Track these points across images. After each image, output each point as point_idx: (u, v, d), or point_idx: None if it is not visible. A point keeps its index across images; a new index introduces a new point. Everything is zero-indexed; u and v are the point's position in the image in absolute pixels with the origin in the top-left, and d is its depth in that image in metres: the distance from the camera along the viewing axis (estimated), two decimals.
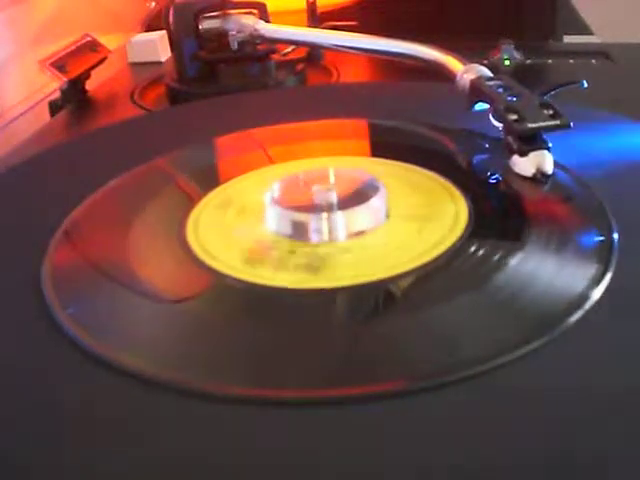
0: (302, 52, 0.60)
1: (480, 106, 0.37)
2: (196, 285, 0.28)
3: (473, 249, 0.28)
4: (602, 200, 0.30)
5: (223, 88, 0.54)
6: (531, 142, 0.33)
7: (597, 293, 0.25)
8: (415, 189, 0.33)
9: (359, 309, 0.26)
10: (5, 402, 0.23)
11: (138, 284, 0.28)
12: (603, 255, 0.27)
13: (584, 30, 0.70)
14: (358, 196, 0.30)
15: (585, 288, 0.25)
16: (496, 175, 0.34)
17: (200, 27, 0.56)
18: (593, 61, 0.58)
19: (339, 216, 0.29)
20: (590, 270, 0.26)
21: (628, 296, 0.25)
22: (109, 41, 0.62)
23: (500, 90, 0.35)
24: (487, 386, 0.21)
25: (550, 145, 0.32)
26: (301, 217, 0.30)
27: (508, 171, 0.33)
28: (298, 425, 0.21)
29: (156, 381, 0.22)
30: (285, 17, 0.63)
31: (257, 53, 0.56)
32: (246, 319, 0.26)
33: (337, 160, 0.37)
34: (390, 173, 0.34)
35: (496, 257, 0.27)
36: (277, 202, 0.30)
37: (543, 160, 0.32)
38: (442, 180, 0.33)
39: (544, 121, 0.32)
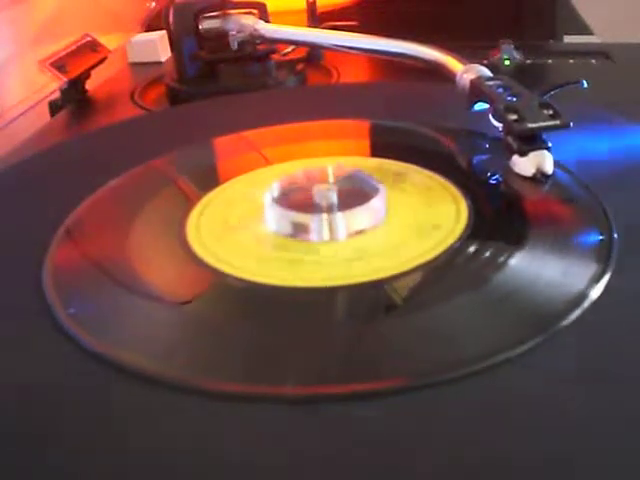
0: (302, 52, 0.60)
1: (480, 106, 0.37)
2: (197, 284, 0.28)
3: (473, 249, 0.28)
4: (602, 200, 0.30)
5: (223, 88, 0.54)
6: (531, 142, 0.33)
7: (596, 292, 0.25)
8: (415, 189, 0.33)
9: (359, 309, 0.27)
10: (5, 402, 0.23)
11: (139, 284, 0.28)
12: (602, 255, 0.27)
13: (584, 30, 0.70)
14: (358, 196, 0.30)
15: (584, 288, 0.25)
16: (496, 175, 0.34)
17: (200, 27, 0.56)
18: (593, 61, 0.58)
19: (339, 216, 0.29)
20: (589, 270, 0.26)
21: (627, 296, 0.25)
22: (109, 41, 0.62)
23: (500, 90, 0.35)
24: (486, 385, 0.22)
25: (550, 145, 0.32)
26: (301, 217, 0.30)
27: (508, 171, 0.34)
28: (298, 423, 0.21)
29: (157, 380, 0.22)
30: (285, 17, 0.63)
31: (257, 53, 0.56)
32: (247, 318, 0.26)
33: (337, 160, 0.37)
34: (390, 173, 0.34)
35: (495, 257, 0.27)
36: (277, 202, 0.30)
37: (543, 160, 0.32)
38: (442, 180, 0.33)
39: (544, 121, 0.32)
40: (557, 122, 0.32)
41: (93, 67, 0.59)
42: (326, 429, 0.21)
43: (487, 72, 0.39)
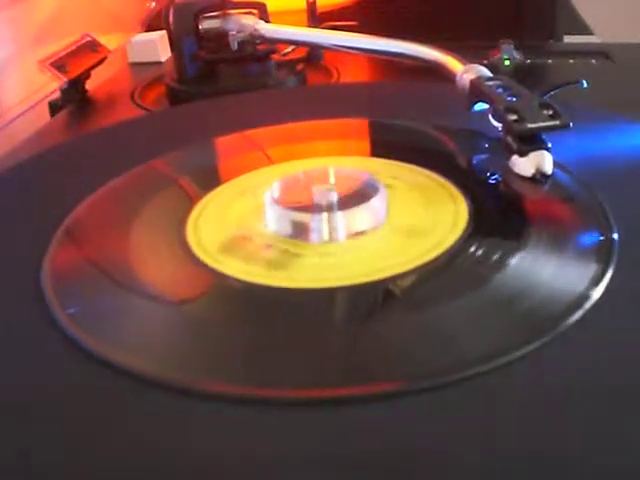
0: (302, 52, 0.60)
1: (480, 106, 0.37)
2: (196, 285, 0.28)
3: (473, 249, 0.28)
4: (602, 200, 0.30)
5: (223, 88, 0.54)
6: (531, 142, 0.33)
7: (597, 293, 0.25)
8: (415, 189, 0.33)
9: (358, 309, 0.26)
10: (5, 402, 0.23)
11: (138, 284, 0.28)
12: (603, 255, 0.27)
13: (584, 30, 0.70)
14: (358, 196, 0.30)
15: (585, 288, 0.25)
16: (496, 175, 0.34)
17: (200, 27, 0.56)
18: (593, 61, 0.58)
19: (339, 216, 0.29)
20: (590, 270, 0.26)
21: (628, 296, 0.25)
22: (109, 41, 0.62)
23: (500, 90, 0.35)
24: (487, 386, 0.21)
25: (550, 145, 0.32)
26: (301, 217, 0.30)
27: (508, 171, 0.33)
28: (297, 425, 0.21)
29: (156, 380, 0.22)
30: (285, 17, 0.63)
31: (257, 53, 0.56)
32: (246, 318, 0.26)
33: (337, 160, 0.37)
34: (390, 173, 0.34)
35: (496, 257, 0.27)
36: (277, 202, 0.30)
37: (543, 160, 0.32)
38: (442, 180, 0.33)
39: (544, 121, 0.32)
40: (557, 122, 0.32)
41: (93, 67, 0.59)
42: (325, 430, 0.21)
43: (487, 72, 0.39)
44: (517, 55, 0.56)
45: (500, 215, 0.31)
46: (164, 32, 0.61)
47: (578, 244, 0.28)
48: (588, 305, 0.24)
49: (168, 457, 0.20)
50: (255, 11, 0.57)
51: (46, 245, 0.30)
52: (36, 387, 0.23)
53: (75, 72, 0.56)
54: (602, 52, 0.59)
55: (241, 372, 0.23)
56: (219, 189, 0.35)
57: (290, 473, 0.19)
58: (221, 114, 0.46)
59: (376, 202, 0.30)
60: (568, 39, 0.70)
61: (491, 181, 0.34)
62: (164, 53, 0.67)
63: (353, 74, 0.60)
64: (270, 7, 0.58)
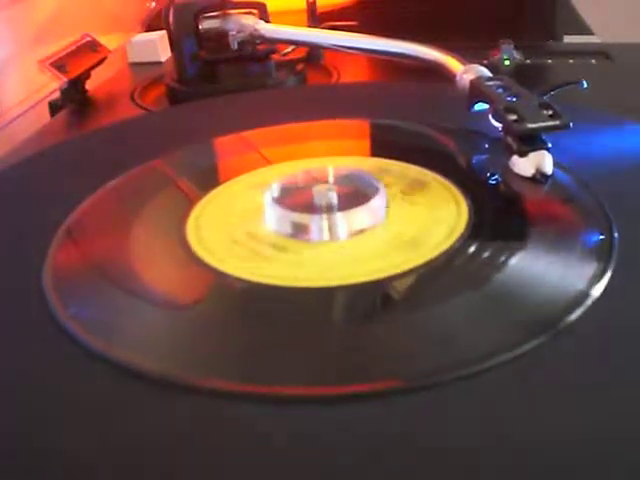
0: (302, 52, 0.60)
1: (480, 106, 0.37)
2: (197, 285, 0.28)
3: (473, 249, 0.28)
4: (602, 200, 0.30)
5: (223, 88, 0.54)
6: (531, 142, 0.33)
7: (596, 292, 0.25)
8: (415, 189, 0.33)
9: (358, 309, 0.27)
10: (6, 402, 0.23)
11: (139, 284, 0.28)
12: (603, 254, 0.27)
13: (584, 30, 0.70)
14: (358, 196, 0.30)
15: (585, 287, 0.25)
16: (496, 175, 0.34)
17: (200, 27, 0.56)
18: (593, 61, 0.58)
19: (339, 216, 0.29)
20: (590, 269, 0.26)
21: (628, 295, 0.25)
22: (109, 41, 0.62)
23: (500, 90, 0.35)
24: (486, 385, 0.22)
25: (550, 145, 0.32)
26: (301, 217, 0.30)
27: (508, 171, 0.34)
28: (296, 424, 0.21)
29: (157, 379, 0.22)
30: (285, 17, 0.63)
31: (257, 53, 0.56)
32: (247, 318, 0.26)
33: (337, 160, 0.37)
34: (390, 173, 0.34)
35: (496, 257, 0.27)
36: (277, 202, 0.30)
37: (543, 160, 0.32)
38: (442, 180, 0.33)
39: (543, 121, 0.32)
40: (557, 122, 0.32)
41: (93, 67, 0.59)
42: (326, 429, 0.21)
43: (487, 72, 0.39)
44: (517, 55, 0.56)
45: (500, 215, 0.32)
46: (164, 32, 0.61)
47: (578, 244, 0.28)
48: (588, 305, 0.24)
49: (169, 456, 0.20)
50: (255, 11, 0.57)
51: (47, 245, 0.30)
52: (36, 387, 0.23)
53: (75, 72, 0.56)
54: (602, 52, 0.59)
55: (241, 371, 0.23)
56: (219, 189, 0.35)
57: (290, 472, 0.19)
58: (221, 114, 0.46)
59: (376, 202, 0.30)
60: (568, 39, 0.70)
61: (491, 181, 0.34)
62: (164, 53, 0.67)
63: (353, 74, 0.60)
64: (270, 7, 0.58)
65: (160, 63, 0.66)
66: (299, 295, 0.26)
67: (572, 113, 0.33)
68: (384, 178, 0.32)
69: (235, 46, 0.55)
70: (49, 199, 0.35)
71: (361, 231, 0.30)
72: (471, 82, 0.38)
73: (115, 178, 0.36)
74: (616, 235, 0.28)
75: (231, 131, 0.41)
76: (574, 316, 0.24)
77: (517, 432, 0.20)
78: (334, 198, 0.30)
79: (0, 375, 0.24)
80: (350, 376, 0.23)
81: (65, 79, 0.56)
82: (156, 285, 0.28)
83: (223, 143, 0.41)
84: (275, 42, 0.56)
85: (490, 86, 0.36)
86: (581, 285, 0.25)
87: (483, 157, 0.38)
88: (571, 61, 0.58)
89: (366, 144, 0.42)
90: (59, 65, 0.55)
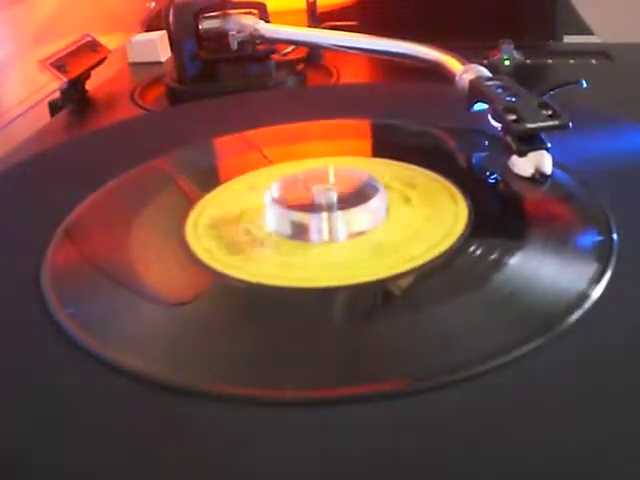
0: (302, 52, 0.60)
1: (479, 106, 0.37)
2: (196, 285, 0.28)
3: (473, 249, 0.28)
4: (601, 200, 0.30)
5: (223, 88, 0.54)
6: (530, 142, 0.33)
7: (596, 293, 0.25)
8: (415, 189, 0.33)
9: (358, 309, 0.27)
10: (5, 402, 0.23)
11: (138, 284, 0.28)
12: (602, 255, 0.27)
13: (584, 30, 0.70)
14: (358, 196, 0.30)
15: (585, 288, 0.25)
16: (496, 175, 0.34)
17: (200, 27, 0.56)
18: (593, 61, 0.58)
19: (339, 216, 0.29)
20: (589, 270, 0.26)
21: (627, 295, 0.25)
22: (109, 41, 0.62)
23: (499, 90, 0.35)
24: (486, 386, 0.22)
25: (549, 145, 0.32)
26: (301, 217, 0.30)
27: (507, 171, 0.34)
28: (297, 425, 0.21)
29: (156, 380, 0.22)
30: (285, 17, 0.63)
31: (257, 53, 0.56)
32: (246, 319, 0.26)
33: (337, 160, 0.37)
34: (390, 173, 0.34)
35: (495, 257, 0.27)
36: (277, 202, 0.30)
37: (542, 160, 0.32)
38: (442, 180, 0.33)
39: (543, 121, 0.32)
40: (556, 122, 0.32)
41: (93, 67, 0.59)
42: (326, 431, 0.21)
43: (486, 72, 0.39)
44: (517, 55, 0.56)
45: (500, 215, 0.32)
46: (164, 32, 0.61)
47: (577, 244, 0.28)
48: (587, 305, 0.24)
49: (168, 457, 0.20)
50: (255, 11, 0.57)
51: (46, 245, 0.30)
52: (36, 387, 0.23)
53: (75, 72, 0.56)
54: (602, 52, 0.59)
55: (240, 372, 0.23)
56: (219, 189, 0.35)
57: (290, 472, 0.19)
58: (221, 114, 0.46)
59: (376, 202, 0.30)
60: (568, 39, 0.70)
61: (491, 181, 0.34)
62: (164, 53, 0.67)
63: (353, 74, 0.60)
64: (270, 7, 0.58)
65: (160, 63, 0.66)
66: (299, 295, 0.26)
67: (572, 113, 0.33)
68: (384, 178, 0.32)
69: (235, 46, 0.55)
70: (49, 199, 0.35)
71: (361, 231, 0.30)
72: (471, 82, 0.38)
73: (115, 178, 0.36)
74: (615, 235, 0.28)
75: (231, 131, 0.41)
76: (574, 317, 0.24)
77: (517, 432, 0.20)
78: (334, 198, 0.30)
79: None
80: (350, 377, 0.23)
81: (65, 79, 0.56)
82: (155, 285, 0.28)
83: (223, 143, 0.41)
84: (275, 42, 0.56)
85: (489, 86, 0.36)
86: (581, 285, 0.25)
87: (482, 157, 0.38)
88: (571, 61, 0.58)
89: (366, 144, 0.42)
90: (59, 65, 0.55)
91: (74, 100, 0.57)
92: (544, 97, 0.35)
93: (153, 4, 0.75)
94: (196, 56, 0.56)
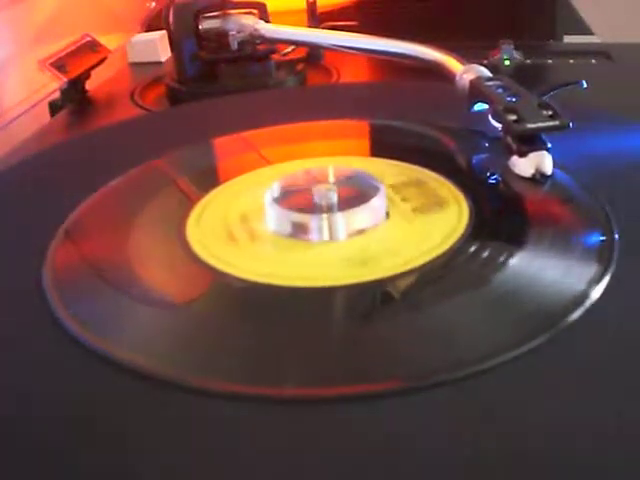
0: (302, 52, 0.60)
1: (480, 106, 0.37)
2: (197, 284, 0.28)
3: (473, 250, 0.28)
4: (602, 200, 0.30)
5: (223, 88, 0.55)
6: (530, 143, 0.33)
7: (597, 293, 0.25)
8: (415, 189, 0.33)
9: (358, 309, 0.27)
10: (6, 402, 0.23)
11: (139, 283, 0.28)
12: (603, 255, 0.27)
13: (584, 30, 0.70)
14: (358, 196, 0.30)
15: (585, 288, 0.25)
16: (496, 175, 0.34)
17: (200, 27, 0.56)
18: (593, 61, 0.58)
19: (339, 216, 0.29)
20: (590, 270, 0.26)
21: (628, 296, 0.25)
22: (109, 41, 0.62)
23: (499, 90, 0.35)
24: (486, 386, 0.22)
25: (549, 146, 0.32)
26: (301, 217, 0.30)
27: (508, 171, 0.33)
28: (297, 424, 0.21)
29: (157, 379, 0.23)
30: (285, 17, 0.63)
31: (257, 53, 0.56)
32: (247, 318, 0.26)
33: (337, 160, 0.37)
34: (390, 173, 0.34)
35: (496, 257, 0.27)
36: (277, 202, 0.30)
37: (542, 161, 0.32)
38: (442, 180, 0.33)
39: (543, 122, 0.32)
40: (556, 123, 0.32)
41: (93, 67, 0.59)
42: (325, 430, 0.21)
43: (486, 72, 0.39)
44: (517, 55, 0.56)
45: (500, 216, 0.31)
46: (164, 32, 0.61)
47: (578, 244, 0.28)
48: (588, 305, 0.24)
49: (168, 456, 0.20)
50: (255, 11, 0.57)
51: (47, 245, 0.30)
52: (36, 387, 0.23)
53: (75, 72, 0.56)
54: (602, 52, 0.59)
55: (241, 371, 0.23)
56: (219, 189, 0.35)
57: (289, 472, 0.19)
58: (221, 114, 0.46)
59: (376, 202, 0.30)
60: (568, 39, 0.70)
61: (491, 181, 0.34)
62: (164, 53, 0.67)
63: (353, 74, 0.60)
64: (270, 7, 0.58)
65: (160, 63, 0.66)
66: (298, 295, 0.26)
67: (572, 113, 0.33)
68: (384, 178, 0.32)
69: (235, 46, 0.55)
70: (49, 199, 0.35)
71: (361, 231, 0.30)
72: (471, 82, 0.38)
73: (115, 178, 0.36)
74: (616, 236, 0.28)
75: (231, 131, 0.41)
76: (574, 317, 0.24)
77: (517, 432, 0.20)
78: (334, 198, 0.30)
79: (0, 375, 0.24)
80: (350, 377, 0.23)
81: (65, 79, 0.56)
82: (156, 285, 0.28)
83: (223, 143, 0.41)
84: (275, 42, 0.56)
85: (490, 86, 0.36)
86: (581, 286, 0.25)
87: (483, 157, 0.38)
88: (571, 61, 0.58)
89: (366, 144, 0.42)
90: (59, 65, 0.55)
91: (74, 100, 0.57)
92: (544, 97, 0.35)
93: (153, 4, 0.75)
94: (196, 56, 0.56)
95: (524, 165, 0.33)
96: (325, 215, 0.29)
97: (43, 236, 0.31)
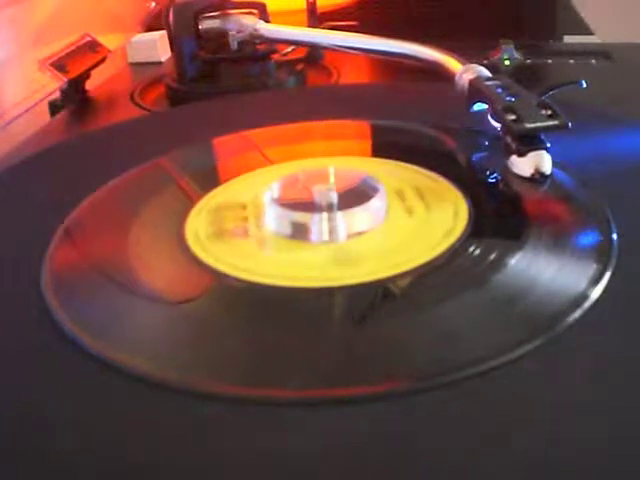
0: (302, 52, 0.60)
1: (479, 106, 0.37)
2: (196, 285, 0.28)
3: (472, 250, 0.28)
4: (601, 200, 0.30)
5: (223, 88, 0.55)
6: (529, 142, 0.33)
7: (596, 293, 0.25)
8: (415, 189, 0.33)
9: (358, 309, 0.27)
10: (6, 402, 0.23)
11: (138, 284, 0.28)
12: (602, 255, 0.27)
13: (584, 30, 0.70)
14: (358, 196, 0.30)
15: (584, 288, 0.25)
16: (495, 175, 0.34)
17: (200, 27, 0.56)
18: (593, 61, 0.58)
19: (339, 216, 0.29)
20: (589, 270, 0.26)
21: (627, 296, 0.25)
22: (109, 41, 0.62)
23: (499, 90, 0.35)
24: (486, 386, 0.22)
25: (548, 145, 0.32)
26: (301, 217, 0.30)
27: (507, 171, 0.34)
28: (298, 424, 0.21)
29: (156, 380, 0.23)
30: (285, 17, 0.63)
31: (257, 53, 0.56)
32: (247, 318, 0.26)
33: (337, 160, 0.37)
34: (390, 173, 0.34)
35: (495, 257, 0.27)
36: (277, 202, 0.30)
37: (541, 160, 0.32)
38: (442, 180, 0.33)
39: (542, 121, 0.32)
40: (556, 122, 0.32)
41: (93, 67, 0.59)
42: (326, 430, 0.21)
43: (486, 72, 0.39)
44: (517, 55, 0.56)
45: (499, 215, 0.32)
46: (164, 32, 0.61)
47: (577, 244, 0.28)
48: (587, 305, 0.24)
49: (168, 457, 0.20)
50: (255, 11, 0.57)
51: (46, 245, 0.30)
52: (36, 387, 0.23)
53: (75, 72, 0.56)
54: (602, 52, 0.59)
55: (241, 372, 0.23)
56: (219, 189, 0.35)
57: (290, 473, 0.19)
58: (221, 114, 0.46)
59: (376, 202, 0.30)
60: (568, 39, 0.70)
61: (490, 181, 0.34)
62: (164, 53, 0.67)
63: (353, 74, 0.60)
64: (270, 7, 0.58)
65: (160, 63, 0.67)
66: (298, 295, 0.26)
67: (571, 113, 0.33)
68: (384, 178, 0.32)
69: (235, 46, 0.55)
70: (49, 199, 0.35)
71: (361, 231, 0.30)
72: (470, 82, 0.38)
73: (115, 178, 0.36)
74: (615, 236, 0.28)
75: (231, 131, 0.41)
76: (573, 317, 0.24)
77: (517, 432, 0.20)
78: (334, 198, 0.30)
79: None
80: (350, 377, 0.23)
81: (65, 79, 0.56)
82: (156, 286, 0.28)
83: (223, 143, 0.41)
84: (275, 42, 0.56)
85: (489, 86, 0.36)
86: (580, 286, 0.25)
87: (482, 157, 0.38)
88: (571, 61, 0.58)
89: (366, 144, 0.42)
90: (59, 65, 0.55)
91: (74, 100, 0.57)
92: (544, 97, 0.35)
93: (153, 4, 0.75)
94: (196, 56, 0.56)
95: (523, 165, 0.33)
96: (325, 215, 0.29)
97: (43, 236, 0.31)
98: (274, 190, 0.31)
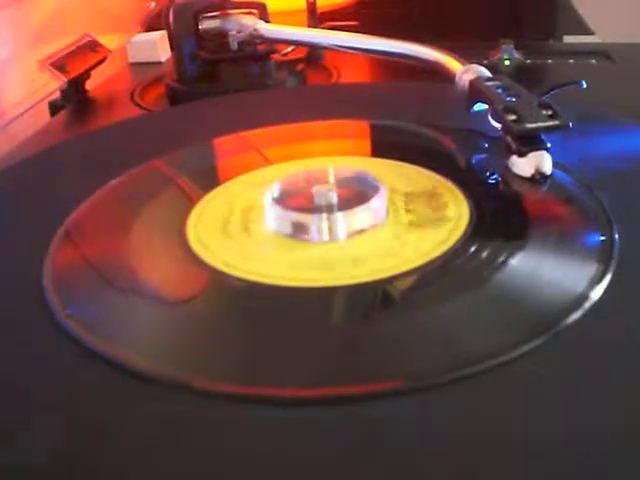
0: (302, 52, 0.60)
1: (479, 106, 0.37)
2: (196, 284, 0.28)
3: (473, 250, 0.28)
4: (602, 200, 0.30)
5: (223, 88, 0.55)
6: (530, 142, 0.33)
7: (597, 293, 0.25)
8: (415, 189, 0.33)
9: (358, 309, 0.27)
10: (6, 403, 0.23)
11: (139, 283, 0.28)
12: (603, 255, 0.27)
13: (584, 30, 0.70)
14: (358, 196, 0.30)
15: (585, 288, 0.25)
16: (495, 175, 0.34)
17: (200, 27, 0.56)
18: (593, 61, 0.58)
19: (339, 216, 0.29)
20: (590, 270, 0.26)
21: (628, 296, 0.25)
22: (109, 41, 0.62)
23: (499, 90, 0.35)
24: (486, 386, 0.22)
25: (549, 145, 0.32)
26: (301, 217, 0.30)
27: (507, 171, 0.34)
28: (297, 424, 0.21)
29: (156, 379, 0.23)
30: (285, 17, 0.63)
31: (257, 53, 0.56)
32: (247, 318, 0.26)
33: (337, 160, 0.37)
34: (391, 173, 0.34)
35: (496, 257, 0.27)
36: (277, 202, 0.30)
37: (542, 160, 0.32)
38: (443, 180, 0.33)
39: (543, 121, 0.32)
40: (556, 122, 0.32)
41: (93, 67, 0.59)
42: (325, 430, 0.21)
43: (486, 72, 0.39)
44: (517, 55, 0.56)
45: (500, 215, 0.32)
46: (164, 32, 0.61)
47: (578, 244, 0.28)
48: (588, 305, 0.24)
49: (167, 457, 0.20)
50: (255, 11, 0.57)
51: (47, 245, 0.30)
52: (36, 387, 0.23)
53: (75, 72, 0.56)
54: (602, 52, 0.59)
55: (240, 371, 0.23)
56: (219, 189, 0.35)
57: (289, 472, 0.19)
58: (221, 114, 0.46)
59: (376, 202, 0.30)
60: (568, 39, 0.70)
61: (490, 181, 0.34)
62: (164, 53, 0.67)
63: (353, 74, 0.60)
64: (270, 7, 0.58)
65: (160, 63, 0.67)
66: (299, 295, 0.26)
67: (572, 113, 0.33)
68: (384, 178, 0.32)
69: (235, 46, 0.55)
70: (49, 199, 0.35)
71: (361, 231, 0.30)
72: (470, 82, 0.38)
73: (115, 178, 0.36)
74: (616, 236, 0.28)
75: (231, 131, 0.41)
76: (574, 317, 0.24)
77: (517, 432, 0.20)
78: (334, 198, 0.30)
79: (0, 374, 0.24)
80: (350, 377, 0.23)
81: (65, 79, 0.56)
82: (156, 285, 0.28)
83: (223, 143, 0.41)
84: (275, 42, 0.56)
85: (489, 86, 0.36)
86: (581, 286, 0.25)
87: (483, 157, 0.38)
88: (571, 61, 0.58)
89: (366, 144, 0.42)
90: (59, 65, 0.55)
91: (74, 100, 0.57)
92: (544, 97, 0.35)
93: (153, 4, 0.75)
94: (196, 56, 0.56)
95: (524, 165, 0.33)
96: (325, 215, 0.29)
97: (43, 236, 0.31)
98: (274, 190, 0.31)
